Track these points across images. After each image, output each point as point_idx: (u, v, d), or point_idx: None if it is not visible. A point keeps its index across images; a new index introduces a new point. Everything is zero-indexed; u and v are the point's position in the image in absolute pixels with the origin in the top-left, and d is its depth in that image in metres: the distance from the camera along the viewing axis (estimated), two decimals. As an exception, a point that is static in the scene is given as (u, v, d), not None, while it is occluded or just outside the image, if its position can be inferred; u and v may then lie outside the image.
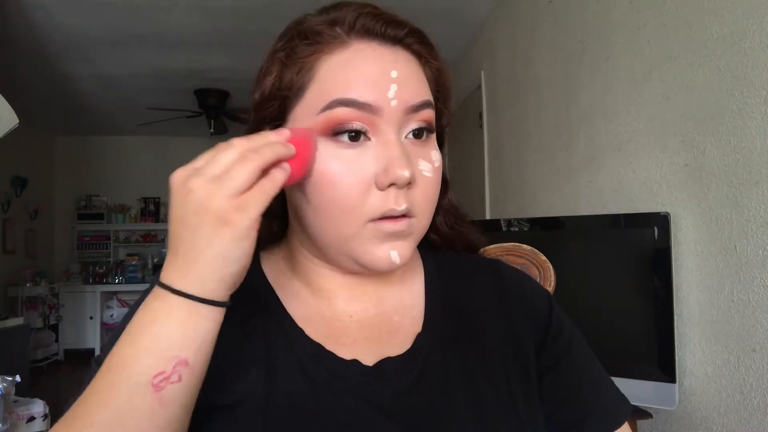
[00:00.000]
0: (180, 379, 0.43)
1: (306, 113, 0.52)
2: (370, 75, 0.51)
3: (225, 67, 3.94)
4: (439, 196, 0.63)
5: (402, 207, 0.51)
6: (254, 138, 0.46)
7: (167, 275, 0.44)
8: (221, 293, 0.45)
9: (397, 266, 0.53)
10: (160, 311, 0.44)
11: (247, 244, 0.44)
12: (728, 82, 1.29)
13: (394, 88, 0.51)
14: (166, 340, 0.43)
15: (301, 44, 0.53)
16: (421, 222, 0.54)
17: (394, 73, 0.51)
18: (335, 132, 0.51)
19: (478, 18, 3.11)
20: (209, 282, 0.44)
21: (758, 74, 1.20)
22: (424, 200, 0.53)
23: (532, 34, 2.46)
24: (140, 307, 0.46)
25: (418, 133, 0.53)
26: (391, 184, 0.50)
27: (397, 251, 0.52)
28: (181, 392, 0.44)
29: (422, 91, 0.53)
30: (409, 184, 0.51)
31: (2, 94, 1.90)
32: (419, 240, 0.55)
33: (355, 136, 0.51)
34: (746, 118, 1.24)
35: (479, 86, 3.20)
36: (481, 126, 3.19)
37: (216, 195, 0.42)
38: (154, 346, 0.43)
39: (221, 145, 0.45)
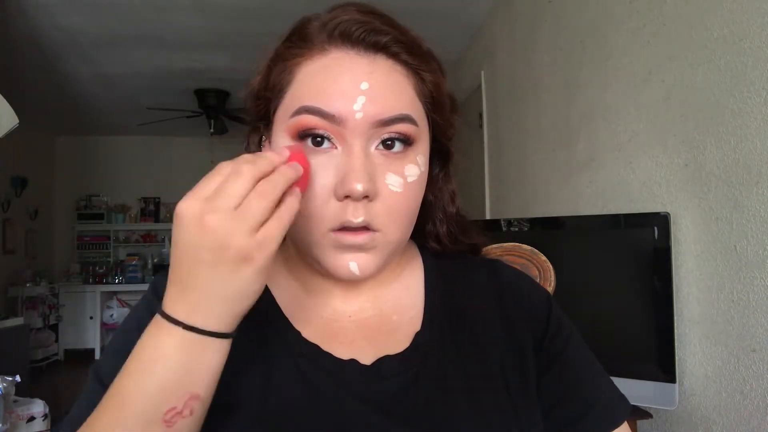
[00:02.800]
0: (191, 413, 0.44)
1: (282, 116, 0.53)
2: (339, 85, 0.50)
3: (225, 67, 3.94)
4: (445, 207, 0.62)
5: (359, 219, 0.50)
6: (258, 161, 0.44)
7: (175, 308, 0.43)
8: (233, 325, 0.44)
9: (359, 278, 0.53)
10: (170, 347, 0.43)
11: (265, 278, 0.44)
12: (728, 82, 1.29)
13: (361, 100, 0.50)
14: (178, 377, 0.43)
15: (288, 47, 0.54)
16: (388, 236, 0.52)
17: (364, 85, 0.50)
18: (301, 135, 0.51)
19: (477, 18, 3.11)
20: (224, 317, 0.43)
21: (758, 74, 1.20)
22: (388, 215, 0.52)
23: (532, 34, 2.46)
24: (145, 336, 0.45)
25: (390, 144, 0.52)
26: (347, 196, 0.49)
27: (357, 263, 0.52)
28: (192, 424, 0.44)
29: (398, 105, 0.51)
30: (367, 197, 0.50)
31: (2, 94, 1.90)
32: (390, 253, 0.54)
33: (320, 141, 0.51)
34: (746, 118, 1.24)
35: (479, 86, 3.20)
36: (481, 126, 3.19)
37: (236, 232, 0.41)
38: (165, 384, 0.43)
39: (224, 169, 0.43)
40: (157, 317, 0.44)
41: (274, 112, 0.55)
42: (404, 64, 0.53)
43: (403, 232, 0.54)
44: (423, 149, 0.55)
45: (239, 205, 0.42)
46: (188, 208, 0.42)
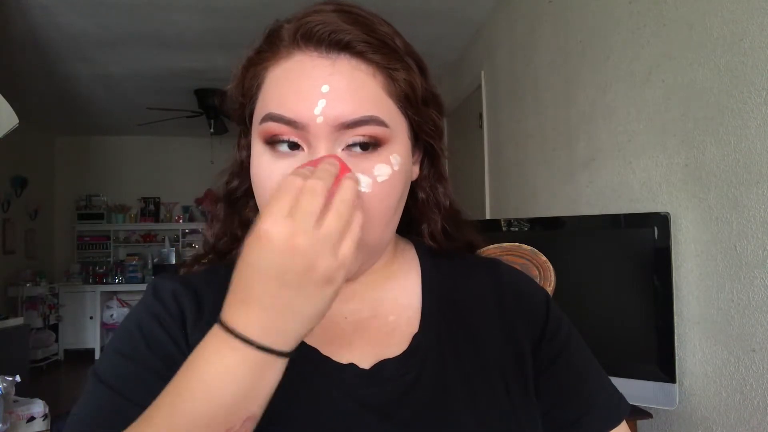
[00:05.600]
0: None
1: (255, 122, 0.53)
2: (299, 90, 0.50)
3: (225, 67, 3.89)
4: (439, 205, 0.62)
5: None
6: (324, 176, 0.44)
7: (247, 328, 0.42)
8: (298, 343, 0.44)
9: None
10: (240, 367, 0.42)
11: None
12: (728, 82, 1.29)
13: (321, 104, 0.49)
14: (242, 398, 0.42)
15: (257, 52, 0.54)
16: (362, 238, 0.51)
17: (325, 88, 0.49)
18: (269, 142, 0.51)
19: (477, 18, 3.11)
20: (295, 338, 0.43)
21: (758, 74, 1.20)
22: None
23: (532, 34, 2.46)
24: (207, 353, 0.43)
25: (363, 146, 0.51)
26: None
27: None
28: None
29: (363, 107, 0.50)
30: None
31: (2, 94, 1.90)
32: (368, 254, 0.54)
33: (295, 145, 0.51)
34: (746, 118, 1.24)
35: (479, 86, 3.20)
36: (481, 126, 3.19)
37: (323, 253, 0.41)
38: (228, 404, 0.42)
39: (293, 184, 0.43)
40: (223, 335, 0.42)
41: (250, 117, 0.55)
42: (370, 62, 0.51)
43: (378, 233, 0.53)
44: (398, 149, 0.53)
45: (319, 223, 0.42)
46: (277, 230, 0.40)
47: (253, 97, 0.54)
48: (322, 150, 0.50)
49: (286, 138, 0.51)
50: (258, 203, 0.55)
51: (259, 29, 0.56)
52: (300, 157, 0.51)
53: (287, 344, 0.43)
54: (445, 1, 2.89)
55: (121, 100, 4.92)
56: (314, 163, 0.47)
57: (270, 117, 0.51)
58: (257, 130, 0.52)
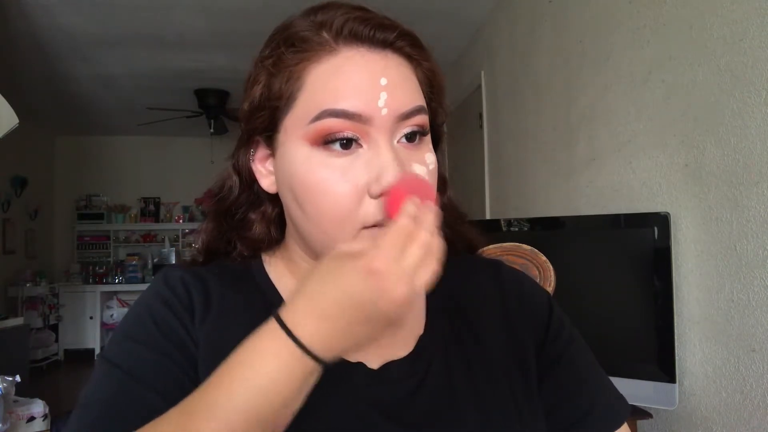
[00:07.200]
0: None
1: (296, 123, 0.52)
2: (359, 84, 0.50)
3: (225, 67, 3.94)
4: (438, 194, 0.63)
5: None
6: (427, 220, 0.44)
7: (313, 341, 0.43)
8: None
9: None
10: (298, 375, 0.43)
11: None
12: (728, 82, 1.29)
13: (384, 96, 0.50)
14: (293, 401, 0.44)
15: (288, 51, 0.52)
16: None
17: (383, 81, 0.50)
18: (326, 141, 0.50)
19: (477, 18, 3.11)
20: (348, 353, 0.45)
21: (758, 74, 1.20)
22: None
23: (532, 34, 2.46)
24: (260, 350, 0.44)
25: (410, 137, 0.52)
26: (383, 193, 0.49)
27: None
28: None
29: (414, 97, 0.52)
30: None
31: (2, 94, 1.90)
32: None
33: (347, 143, 0.50)
34: (746, 118, 1.24)
35: (479, 86, 3.20)
36: (480, 126, 3.19)
37: (411, 304, 0.42)
38: (282, 407, 0.43)
39: (424, 237, 0.43)
40: (285, 340, 0.43)
41: (281, 121, 0.53)
42: (408, 57, 0.53)
43: None
44: (430, 137, 0.55)
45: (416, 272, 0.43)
46: (390, 276, 0.41)
47: (291, 98, 0.52)
48: (382, 143, 0.50)
49: (345, 134, 0.50)
50: (305, 209, 0.52)
51: (260, 29, 0.56)
52: (360, 154, 0.50)
53: (334, 357, 0.44)
54: (445, 1, 2.90)
55: (121, 100, 4.93)
56: (423, 194, 0.47)
57: (329, 113, 0.49)
58: (305, 131, 0.51)
